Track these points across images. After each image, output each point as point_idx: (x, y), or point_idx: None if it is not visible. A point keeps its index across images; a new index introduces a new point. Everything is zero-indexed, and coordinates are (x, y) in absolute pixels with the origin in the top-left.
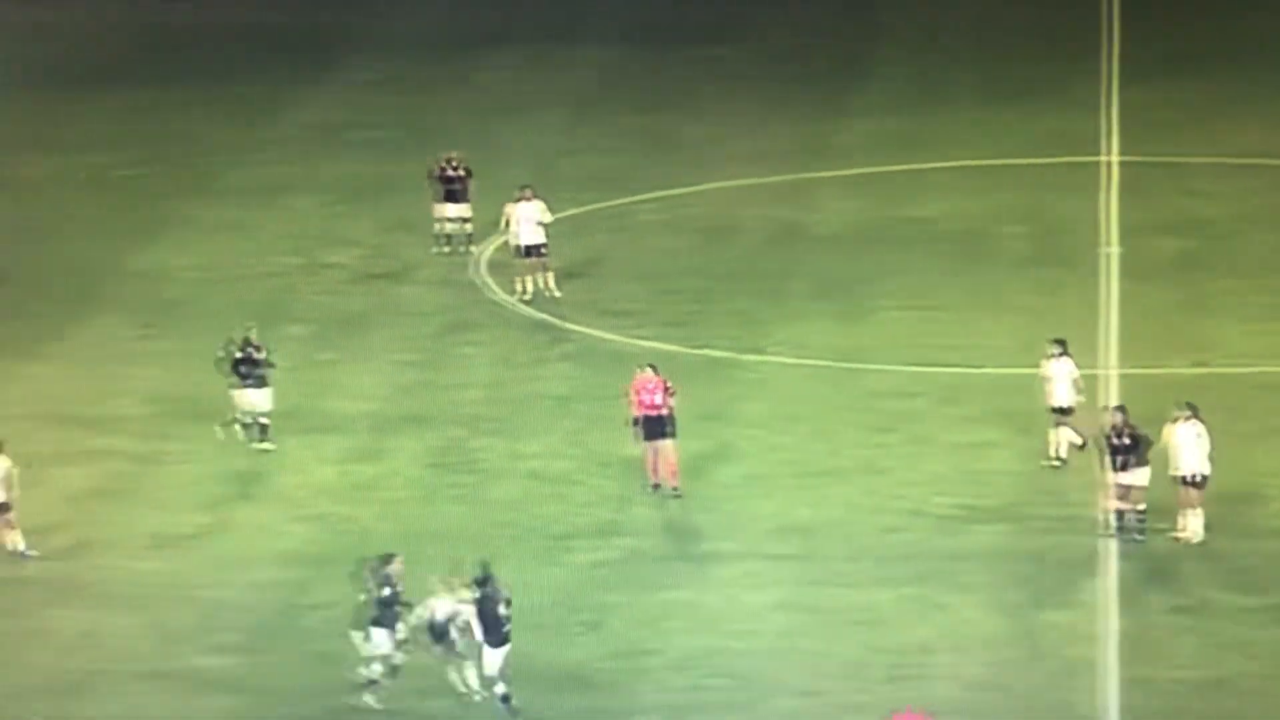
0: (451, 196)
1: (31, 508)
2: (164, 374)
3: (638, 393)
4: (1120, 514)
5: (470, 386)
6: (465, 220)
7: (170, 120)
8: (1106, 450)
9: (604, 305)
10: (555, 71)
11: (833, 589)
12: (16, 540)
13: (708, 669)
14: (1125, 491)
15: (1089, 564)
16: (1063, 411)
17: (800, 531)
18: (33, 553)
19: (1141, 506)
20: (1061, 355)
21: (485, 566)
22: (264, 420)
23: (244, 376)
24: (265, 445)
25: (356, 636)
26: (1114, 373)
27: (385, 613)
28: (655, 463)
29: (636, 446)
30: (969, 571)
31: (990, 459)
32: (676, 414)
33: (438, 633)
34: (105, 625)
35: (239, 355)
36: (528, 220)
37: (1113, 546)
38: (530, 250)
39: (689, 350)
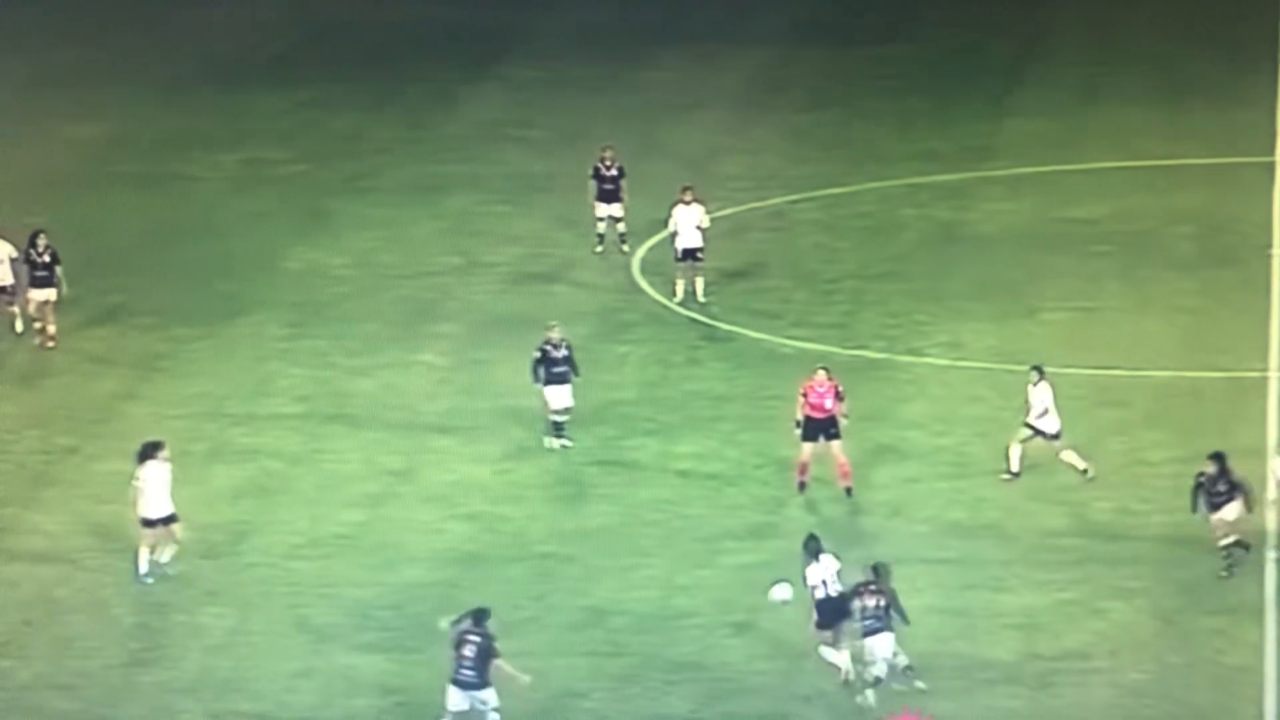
0: (605, 196)
1: (185, 506)
2: (317, 372)
3: (807, 394)
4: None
5: (624, 386)
6: (617, 220)
7: (333, 117)
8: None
9: (761, 305)
10: (719, 70)
11: (988, 593)
12: (165, 553)
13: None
14: (1229, 525)
15: (1249, 570)
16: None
17: (957, 534)
18: (170, 569)
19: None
20: (1040, 382)
21: None
22: (558, 418)
23: (545, 376)
24: (562, 442)
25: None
26: None
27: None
28: (808, 465)
29: (796, 447)
30: (1127, 576)
31: (1151, 462)
32: (845, 419)
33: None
34: (256, 623)
35: (537, 355)
36: (687, 223)
37: (1271, 554)
38: (687, 254)
39: (845, 351)
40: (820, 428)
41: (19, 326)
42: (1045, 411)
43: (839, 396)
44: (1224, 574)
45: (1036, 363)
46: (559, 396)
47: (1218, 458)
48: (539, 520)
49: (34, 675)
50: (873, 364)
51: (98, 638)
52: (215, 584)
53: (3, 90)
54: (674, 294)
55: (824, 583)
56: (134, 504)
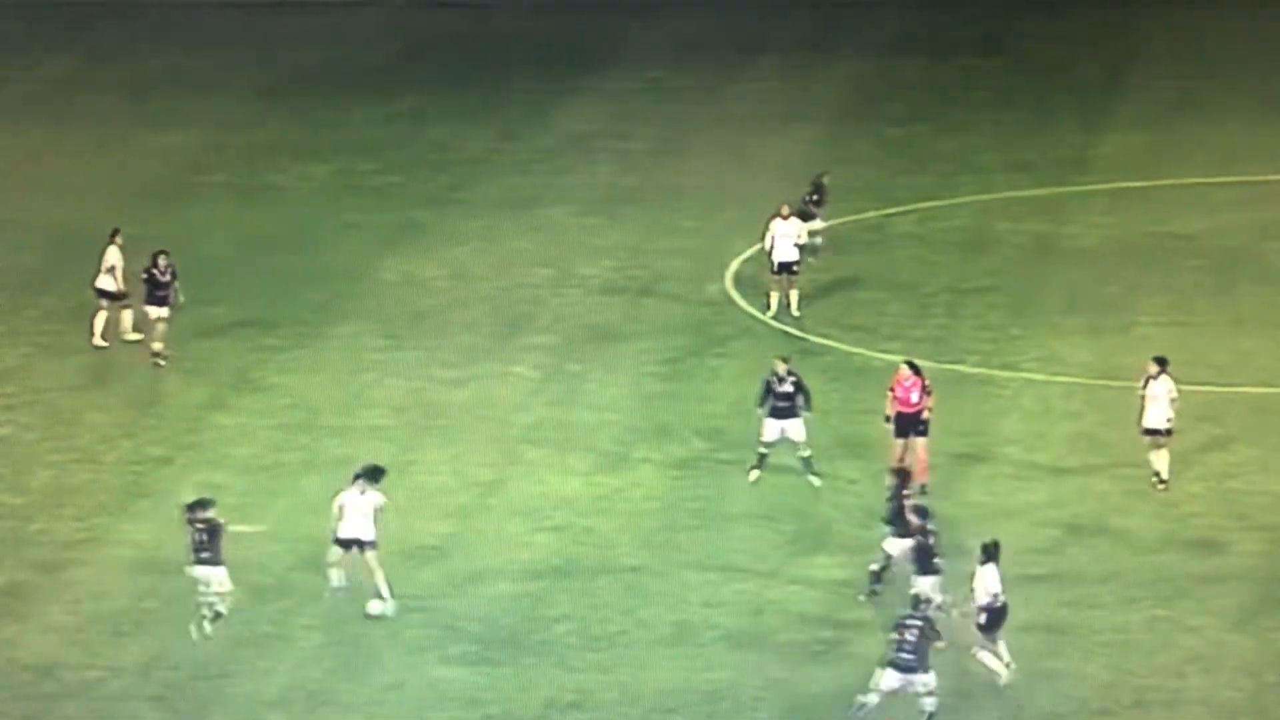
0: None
1: (278, 517)
2: (411, 383)
3: (894, 389)
4: None
5: (716, 399)
6: (815, 233)
7: (429, 128)
8: None
9: (855, 318)
10: (815, 82)
11: (1083, 610)
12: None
13: (953, 689)
14: None
15: None
16: (1156, 433)
17: (1051, 551)
18: (340, 589)
19: None
20: (1160, 374)
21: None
22: (764, 449)
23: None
24: (810, 478)
25: None
26: None
27: None
28: (903, 459)
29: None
30: (1222, 594)
31: (1248, 479)
32: (932, 414)
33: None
34: (346, 634)
35: (763, 385)
36: (784, 237)
37: None
38: (783, 267)
39: (940, 365)
40: (909, 423)
41: (129, 334)
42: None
43: (925, 391)
44: None
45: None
46: (773, 429)
47: None
48: (628, 533)
49: (124, 686)
50: (967, 378)
51: (187, 649)
52: (306, 595)
53: (99, 97)
54: (767, 307)
55: (993, 594)
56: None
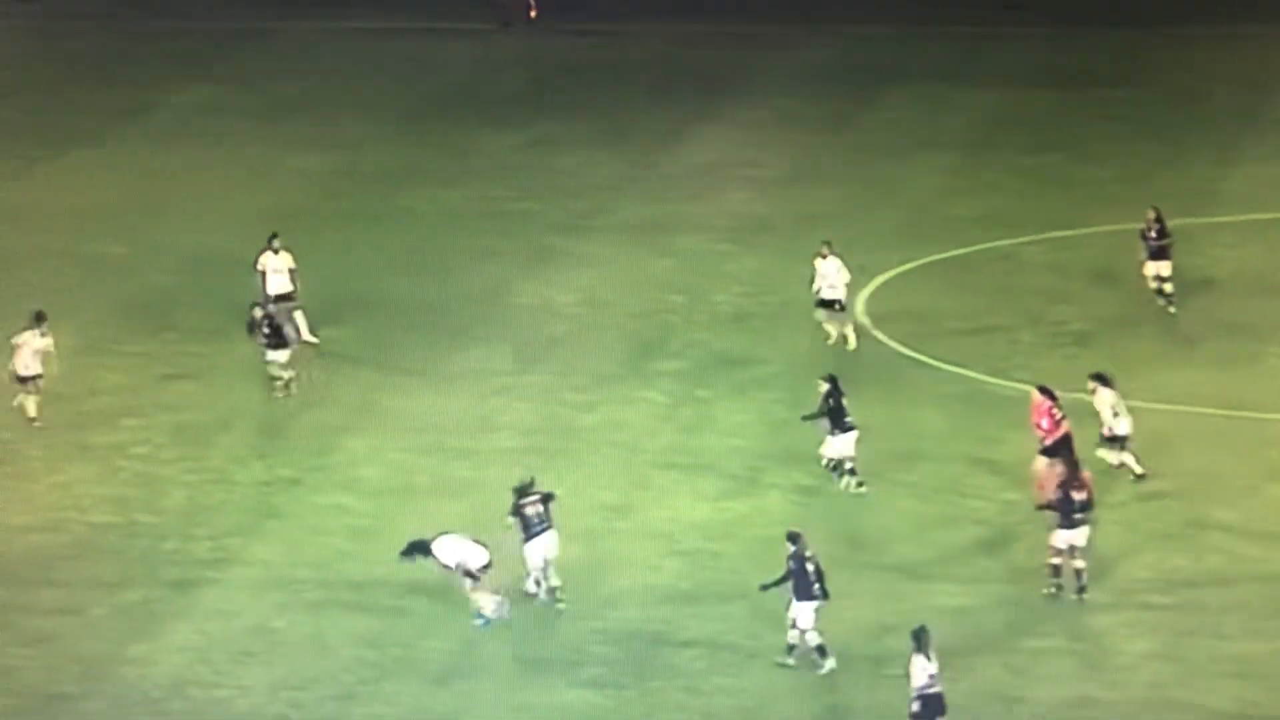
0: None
1: (407, 539)
2: (540, 408)
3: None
4: None
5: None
6: (1164, 279)
7: (562, 155)
8: None
9: (986, 347)
10: (947, 111)
11: (1207, 640)
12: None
13: (1075, 719)
14: None
15: None
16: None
17: (1177, 581)
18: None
19: None
20: (1098, 390)
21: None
22: (848, 465)
23: (834, 424)
24: (857, 488)
25: None
26: None
27: None
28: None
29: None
30: None
31: None
32: (1059, 440)
33: None
34: (475, 657)
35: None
36: (826, 276)
37: None
38: (825, 304)
39: (1069, 394)
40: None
41: (310, 337)
42: (1116, 415)
43: (1054, 418)
44: None
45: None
46: (839, 445)
47: None
48: (755, 559)
49: (251, 706)
50: (1088, 408)
51: (314, 669)
52: (434, 618)
53: (237, 122)
54: (828, 337)
55: (931, 676)
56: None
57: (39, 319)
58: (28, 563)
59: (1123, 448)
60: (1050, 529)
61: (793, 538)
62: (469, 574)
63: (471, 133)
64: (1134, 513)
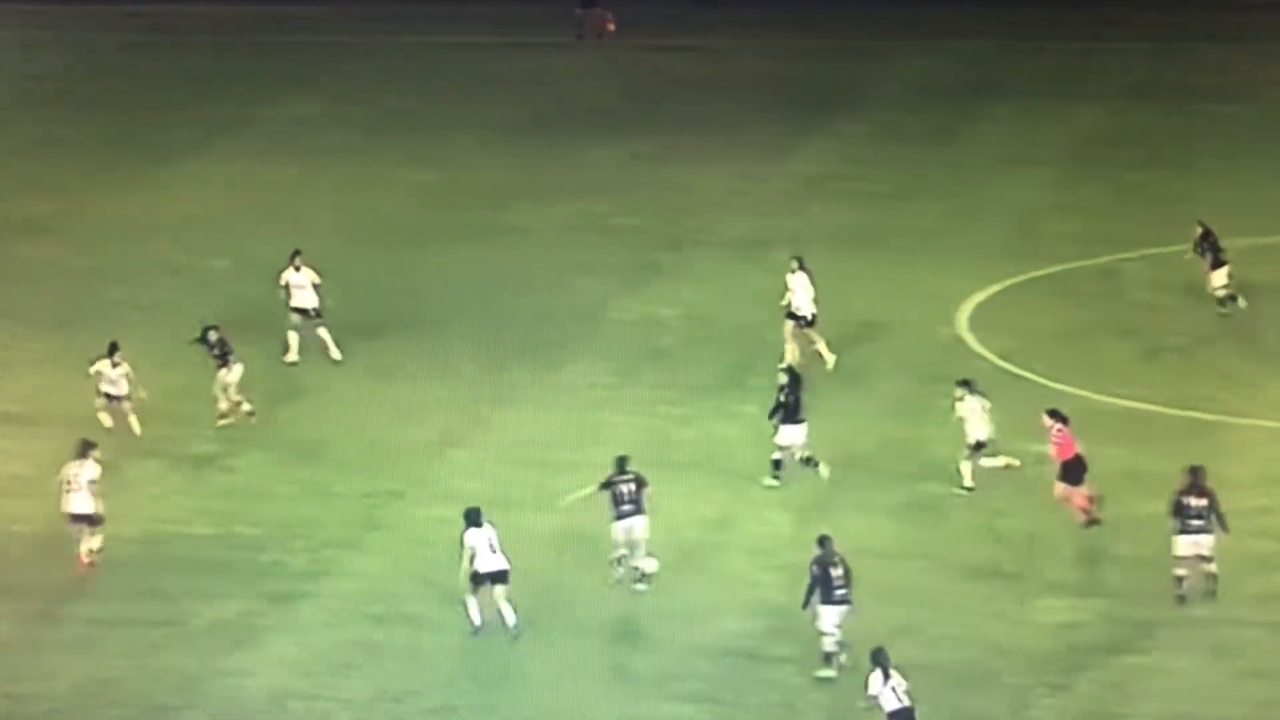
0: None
1: (505, 552)
2: (640, 421)
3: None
4: None
5: (945, 441)
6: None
7: (664, 170)
8: None
9: (1087, 363)
10: (1050, 126)
11: None
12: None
13: None
14: None
15: None
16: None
17: (1278, 599)
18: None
19: None
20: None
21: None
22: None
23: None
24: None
25: None
26: None
27: None
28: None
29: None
30: None
31: None
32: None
33: None
34: (574, 670)
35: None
36: (795, 291)
37: None
38: (796, 318)
39: (1171, 411)
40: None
41: (335, 354)
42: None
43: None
44: None
45: None
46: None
47: None
48: (854, 574)
49: (350, 718)
50: (1201, 425)
51: (414, 681)
52: (534, 631)
53: (341, 136)
54: (783, 357)
55: (894, 690)
56: None
57: (111, 350)
58: (130, 574)
59: (981, 453)
60: (1171, 537)
61: (820, 541)
62: (475, 572)
63: (576, 148)
64: (1237, 529)
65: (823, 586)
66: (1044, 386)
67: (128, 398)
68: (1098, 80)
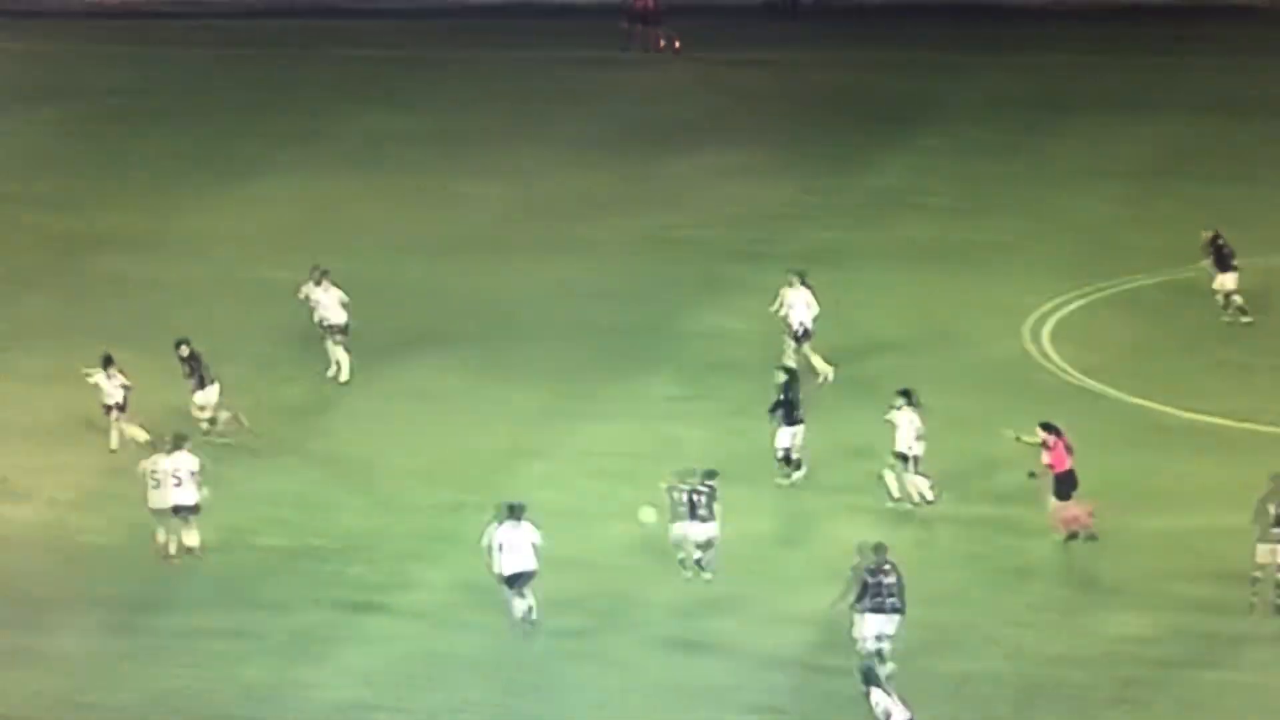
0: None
1: (573, 563)
2: (709, 435)
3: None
4: None
5: (1016, 453)
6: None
7: (737, 183)
8: None
9: (1155, 376)
10: (1120, 141)
11: None
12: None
13: None
14: None
15: None
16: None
17: None
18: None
19: None
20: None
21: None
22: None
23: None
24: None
25: None
26: None
27: None
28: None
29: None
30: None
31: None
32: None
33: None
34: (638, 680)
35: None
36: (793, 306)
37: None
38: (799, 334)
39: (1233, 424)
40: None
41: (344, 376)
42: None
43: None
44: None
45: None
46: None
47: None
48: (921, 586)
49: None
50: (1262, 437)
51: (476, 693)
52: (599, 642)
53: (411, 150)
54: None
55: (901, 701)
56: None
57: (106, 362)
58: (199, 585)
59: (915, 469)
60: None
61: (875, 548)
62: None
63: (647, 160)
64: None
65: (872, 594)
66: (1111, 398)
67: (121, 408)
68: (1170, 94)
